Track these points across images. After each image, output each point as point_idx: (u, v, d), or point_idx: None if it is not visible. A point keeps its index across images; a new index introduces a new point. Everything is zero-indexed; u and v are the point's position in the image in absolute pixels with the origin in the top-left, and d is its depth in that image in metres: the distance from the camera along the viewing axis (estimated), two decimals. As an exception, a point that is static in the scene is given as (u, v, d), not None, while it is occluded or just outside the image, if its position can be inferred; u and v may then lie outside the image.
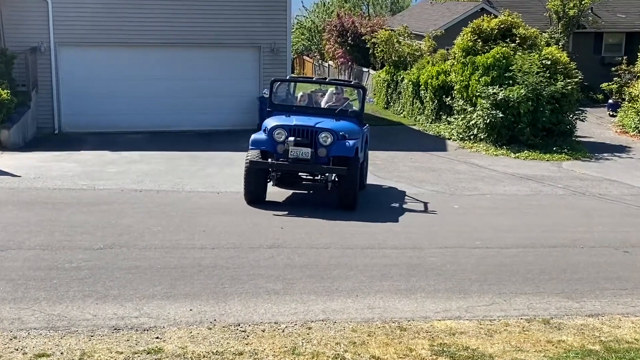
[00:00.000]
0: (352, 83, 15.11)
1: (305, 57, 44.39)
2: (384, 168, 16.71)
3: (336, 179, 12.14)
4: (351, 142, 12.10)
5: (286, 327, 7.27)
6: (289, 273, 8.83)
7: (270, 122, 12.38)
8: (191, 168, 15.61)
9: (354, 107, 13.47)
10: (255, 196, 12.17)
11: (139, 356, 6.46)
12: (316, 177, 12.59)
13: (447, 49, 25.48)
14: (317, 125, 12.11)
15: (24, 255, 8.87)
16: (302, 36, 44.99)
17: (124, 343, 6.68)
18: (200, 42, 21.52)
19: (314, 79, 15.19)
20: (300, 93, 13.96)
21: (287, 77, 15.05)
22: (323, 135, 11.99)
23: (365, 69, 33.52)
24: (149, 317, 7.29)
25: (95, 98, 21.20)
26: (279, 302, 7.87)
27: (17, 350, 6.38)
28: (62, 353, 6.39)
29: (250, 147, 12.24)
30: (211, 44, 21.65)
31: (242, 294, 8.04)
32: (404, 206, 12.91)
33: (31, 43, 20.35)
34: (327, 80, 14.94)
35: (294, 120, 12.30)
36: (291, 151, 11.92)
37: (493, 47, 21.49)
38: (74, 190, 12.73)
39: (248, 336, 7.00)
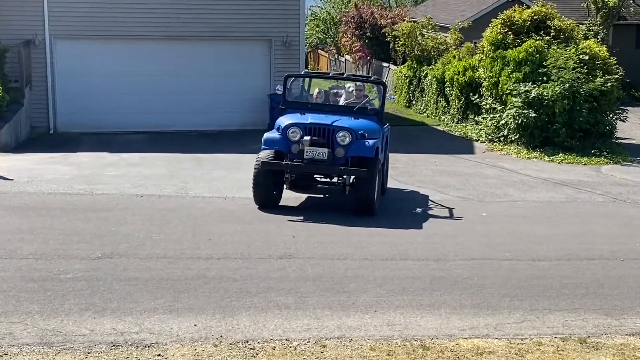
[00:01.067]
0: (371, 79, 14.84)
1: (320, 51, 44.47)
2: (405, 172, 16.71)
3: (354, 182, 12.15)
4: (371, 141, 12.19)
5: (298, 344, 7.29)
6: (301, 286, 8.84)
7: (284, 120, 12.47)
8: (196, 171, 15.68)
9: (374, 105, 13.49)
10: (265, 199, 12.23)
11: (139, 375, 6.50)
12: (333, 180, 12.64)
13: (475, 43, 25.44)
14: (334, 124, 12.21)
15: (15, 265, 8.94)
16: (317, 28, 45.09)
17: (123, 360, 6.73)
18: (206, 34, 21.64)
19: (330, 75, 15.33)
20: (316, 90, 13.98)
21: (302, 73, 15.10)
22: (341, 134, 12.07)
23: (385, 64, 33.54)
24: (150, 332, 7.33)
25: (93, 95, 21.37)
26: (291, 318, 7.89)
27: (7, 367, 6.43)
28: (55, 371, 6.44)
29: (262, 146, 12.31)
30: (218, 37, 21.77)
31: (251, 309, 8.06)
32: (428, 212, 12.92)
33: (25, 36, 20.54)
34: (344, 75, 14.94)
35: (310, 119, 12.39)
36: (306, 151, 12.00)
37: (525, 41, 21.45)
38: (70, 195, 12.82)
39: (257, 354, 7.03)
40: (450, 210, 13.06)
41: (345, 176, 12.19)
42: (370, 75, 34.92)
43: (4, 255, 9.27)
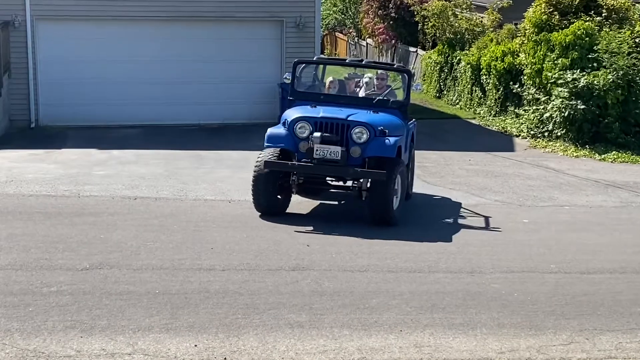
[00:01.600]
0: (394, 66, 14.67)
1: (338, 33, 44.52)
2: (435, 172, 16.70)
3: (370, 186, 11.89)
4: (392, 139, 11.95)
5: (313, 368, 7.30)
6: (316, 302, 8.84)
7: (291, 114, 12.28)
8: (196, 171, 15.74)
9: (397, 97, 13.27)
10: (267, 206, 12.09)
11: (131, 402, 6.52)
12: (347, 184, 12.41)
13: (516, 24, 25.40)
14: (349, 118, 11.98)
15: (-8, 277, 9.00)
16: (335, 8, 45.15)
17: (114, 386, 6.75)
18: (209, 15, 21.72)
19: (347, 61, 14.95)
20: (330, 79, 13.74)
21: (314, 58, 14.87)
22: (357, 130, 11.84)
23: (412, 49, 33.52)
24: (145, 354, 7.35)
25: (81, 85, 21.47)
26: (305, 338, 7.90)
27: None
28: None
29: (265, 144, 12.16)
30: (223, 18, 21.85)
31: (259, 327, 8.07)
32: (459, 222, 12.87)
33: (2, 17, 20.66)
34: (363, 62, 14.68)
35: (321, 112, 12.19)
36: (316, 150, 11.74)
37: (573, 22, 21.38)
38: (54, 197, 12.89)
39: (266, 379, 7.04)
40: (487, 219, 12.99)
41: (361, 180, 11.92)
42: (394, 62, 34.92)
43: (-20, 266, 9.33)
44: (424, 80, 30.27)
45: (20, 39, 21.00)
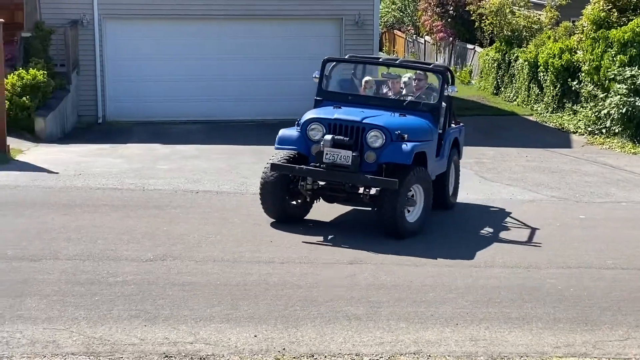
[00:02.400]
0: (430, 66, 13.05)
1: (396, 31, 44.36)
2: (492, 168, 16.55)
3: (378, 194, 10.94)
4: (410, 145, 10.77)
5: (370, 359, 7.30)
6: (373, 295, 8.84)
7: (308, 115, 11.39)
8: (257, 165, 15.78)
9: (429, 99, 12.10)
10: (278, 212, 11.28)
11: (193, 390, 6.60)
12: (359, 191, 11.19)
13: (574, 21, 25.02)
14: (365, 121, 10.94)
15: (60, 267, 9.16)
16: (393, 6, 44.98)
17: (176, 373, 6.84)
18: (269, 14, 21.81)
19: (380, 60, 13.56)
20: (366, 78, 12.68)
21: (346, 56, 13.82)
22: (372, 133, 10.79)
23: (470, 46, 33.26)
24: (206, 343, 7.43)
25: (145, 81, 21.77)
26: (361, 330, 7.90)
27: (52, 378, 6.61)
28: (104, 383, 6.58)
29: (276, 145, 11.31)
30: (282, 17, 21.93)
31: (317, 319, 8.10)
32: (499, 235, 12.62)
33: (72, 15, 21.03)
34: (397, 62, 13.49)
35: (336, 113, 11.19)
36: (326, 153, 10.75)
37: (632, 19, 20.99)
38: (120, 190, 13.07)
39: (323, 370, 7.06)
40: (533, 231, 11.87)
41: (374, 187, 10.97)
42: (451, 59, 34.70)
43: (49, 256, 9.51)
44: (481, 77, 30.02)
45: (89, 37, 21.35)
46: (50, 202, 12.09)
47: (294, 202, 11.39)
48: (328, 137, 10.79)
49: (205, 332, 7.66)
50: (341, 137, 10.80)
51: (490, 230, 11.80)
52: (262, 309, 8.27)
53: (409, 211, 10.96)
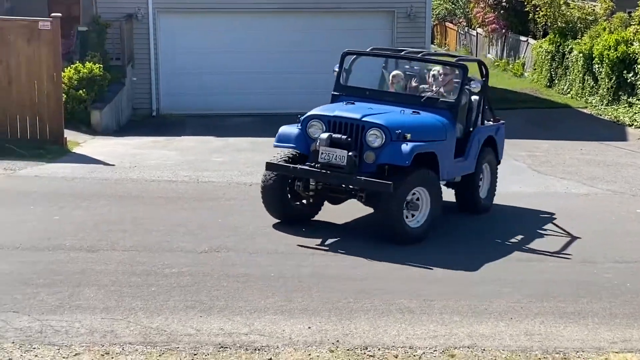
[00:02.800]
0: (453, 61, 11.89)
1: (448, 24, 44.07)
2: (546, 161, 16.38)
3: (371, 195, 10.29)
4: (410, 145, 9.98)
5: (423, 353, 7.27)
6: (426, 287, 8.81)
7: (313, 111, 10.82)
8: (309, 158, 15.83)
9: (449, 96, 11.30)
10: (279, 212, 10.78)
11: (248, 380, 6.64)
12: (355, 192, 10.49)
13: (629, 12, 24.59)
14: (364, 118, 10.24)
15: (117, 258, 9.28)
16: (445, -2, 44.64)
17: (232, 364, 6.88)
18: (322, 7, 21.82)
19: (401, 54, 12.35)
20: (394, 72, 11.92)
21: (368, 49, 12.55)
22: (371, 132, 10.08)
23: (523, 38, 32.89)
24: (261, 334, 7.47)
25: (198, 74, 21.93)
26: (415, 323, 7.88)
27: (110, 367, 6.70)
28: (160, 372, 6.66)
29: (274, 143, 10.84)
30: (334, 10, 21.91)
31: (370, 311, 8.09)
32: (555, 230, 12.48)
33: (127, 9, 21.26)
34: (420, 55, 12.18)
35: (337, 110, 10.65)
36: (321, 153, 10.14)
37: (690, 9, 20.59)
38: (174, 182, 13.20)
39: (377, 362, 7.06)
40: (571, 239, 10.95)
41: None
42: (504, 51, 34.31)
43: (106, 247, 9.64)
44: (535, 69, 29.67)
45: (143, 31, 21.56)
46: (107, 194, 12.25)
47: (298, 203, 10.83)
48: (324, 135, 10.18)
49: (259, 323, 7.70)
50: (339, 136, 10.18)
51: (543, 224, 11.67)
52: (315, 301, 8.28)
53: (413, 215, 10.25)
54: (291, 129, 10.71)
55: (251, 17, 21.96)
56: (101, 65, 18.86)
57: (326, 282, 8.82)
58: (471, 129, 11.55)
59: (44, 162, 14.04)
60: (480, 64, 12.14)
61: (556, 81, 27.42)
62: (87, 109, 18.12)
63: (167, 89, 21.94)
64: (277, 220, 10.95)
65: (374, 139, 10.07)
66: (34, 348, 6.90)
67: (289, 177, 10.58)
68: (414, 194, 10.18)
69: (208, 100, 21.76)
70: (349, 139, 10.15)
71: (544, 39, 29.19)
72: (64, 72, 16.88)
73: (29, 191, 12.03)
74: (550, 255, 10.18)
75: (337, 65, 11.75)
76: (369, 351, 7.24)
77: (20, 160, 13.90)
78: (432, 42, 34.15)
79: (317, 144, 10.20)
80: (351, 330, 7.65)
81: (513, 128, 20.41)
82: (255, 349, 7.17)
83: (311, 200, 10.82)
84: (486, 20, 35.32)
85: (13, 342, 6.95)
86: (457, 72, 11.38)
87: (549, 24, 28.42)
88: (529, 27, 31.58)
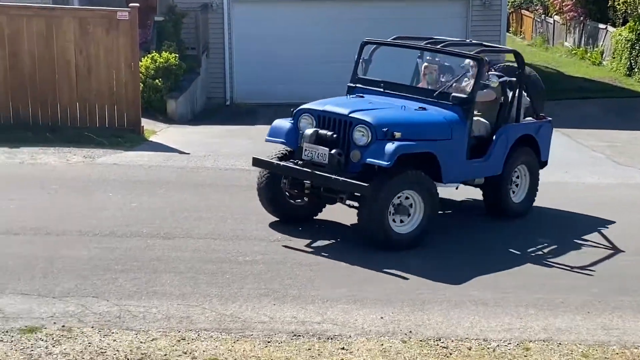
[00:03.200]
0: (471, 53, 10.68)
1: (523, 11, 43.41)
2: (624, 152, 16.05)
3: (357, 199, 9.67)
4: (395, 144, 9.19)
5: (497, 345, 7.22)
6: (501, 280, 8.75)
7: (306, 104, 10.32)
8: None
9: (462, 91, 10.33)
10: (275, 211, 10.31)
11: (321, 369, 6.69)
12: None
13: None
14: (352, 114, 9.55)
15: (193, 245, 9.42)
16: (521, -15, 43.99)
17: (305, 352, 6.94)
18: (395, -5, 21.69)
19: (421, 45, 11.31)
20: (425, 63, 11.08)
21: (390, 39, 11.56)
22: (357, 129, 9.41)
23: (601, 26, 32.21)
24: (333, 323, 7.51)
25: (271, 64, 22.05)
26: (489, 315, 7.82)
27: (185, 353, 6.81)
28: (235, 359, 6.74)
29: (266, 137, 10.35)
30: (407, -2, 21.78)
31: (443, 303, 8.07)
32: (631, 221, 12.21)
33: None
34: (438, 46, 10.99)
35: (328, 104, 10.03)
36: (305, 149, 9.64)
37: None
38: (248, 171, 13.25)
39: (451, 354, 7.03)
40: (613, 253, 9.87)
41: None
42: (581, 39, 33.63)
43: (181, 234, 9.79)
44: (614, 58, 29.03)
45: (218, 20, 21.78)
46: (182, 182, 12.43)
47: (299, 201, 10.25)
48: (309, 131, 9.63)
49: (332, 312, 7.74)
50: (325, 132, 9.57)
51: (620, 217, 11.43)
52: (388, 291, 8.29)
53: (402, 221, 9.51)
54: (284, 123, 10.15)
55: (325, 7, 21.99)
56: (177, 55, 19.11)
57: (399, 272, 8.80)
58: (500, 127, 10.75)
59: (121, 150, 14.32)
60: (516, 55, 11.17)
61: (636, 70, 26.81)
62: (162, 98, 18.39)
63: (240, 78, 22.14)
64: (350, 210, 10.91)
65: (360, 136, 9.37)
66: (113, 332, 7.06)
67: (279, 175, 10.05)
68: (406, 197, 9.45)
69: (280, 89, 21.86)
70: (335, 136, 9.53)
71: (623, 27, 28.55)
72: (141, 61, 17.15)
73: (107, 179, 12.29)
74: (626, 250, 9.99)
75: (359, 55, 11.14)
76: (442, 342, 7.22)
77: (99, 149, 14.20)
78: (508, 31, 33.72)
79: (302, 139, 9.72)
80: (424, 321, 7.64)
81: (591, 118, 20.16)
82: (327, 338, 7.21)
83: (306, 199, 10.15)
84: (564, 8, 34.70)
85: (92, 327, 7.13)
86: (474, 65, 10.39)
87: (629, 11, 27.80)
88: (608, 15, 30.92)
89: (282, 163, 9.79)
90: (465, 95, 10.14)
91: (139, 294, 7.90)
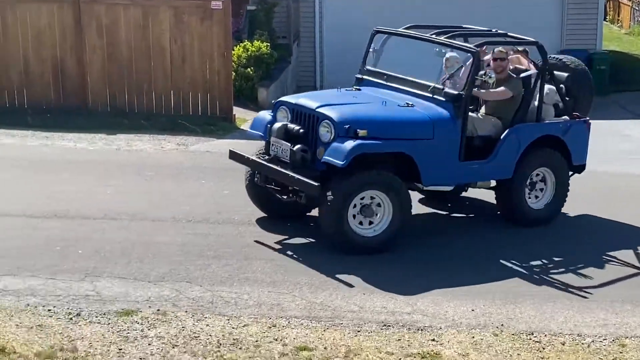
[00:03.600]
0: (466, 46, 9.78)
1: (621, -1, 42.24)
2: None
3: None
4: (354, 143, 8.57)
5: (592, 341, 7.09)
6: (598, 275, 8.59)
7: (285, 97, 10.00)
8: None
9: (452, 86, 9.44)
10: (263, 207, 9.84)
11: (411, 359, 6.66)
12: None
13: None
14: (318, 109, 9.02)
15: (284, 233, 9.47)
16: (619, -29, 42.84)
17: (395, 343, 6.94)
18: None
19: (424, 36, 10.26)
20: (448, 55, 9.84)
21: (402, 29, 10.75)
22: (322, 125, 8.87)
23: None
24: (424, 314, 7.49)
25: (361, 52, 21.95)
26: (583, 310, 7.69)
27: (276, 340, 6.88)
28: (325, 348, 6.78)
29: (248, 130, 9.97)
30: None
31: (536, 297, 7.96)
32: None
33: (297, -12, 21.54)
34: (441, 38, 10.04)
35: (302, 97, 9.63)
36: (272, 144, 9.25)
37: None
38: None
39: (544, 348, 6.93)
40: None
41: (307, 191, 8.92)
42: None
43: (272, 222, 9.80)
44: None
45: (309, 9, 21.80)
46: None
47: (291, 196, 9.39)
48: (277, 125, 9.21)
49: (422, 303, 7.72)
50: (293, 127, 9.11)
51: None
52: (479, 284, 8.22)
53: (371, 223, 8.90)
54: (265, 116, 9.74)
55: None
56: (268, 44, 19.22)
57: (492, 264, 8.72)
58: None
59: (214, 138, 14.50)
60: (540, 48, 9.99)
61: None
62: (254, 87, 18.52)
63: (330, 67, 22.13)
64: (441, 204, 10.83)
65: (325, 132, 8.81)
66: (205, 317, 7.18)
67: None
68: (372, 198, 8.82)
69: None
70: (302, 131, 9.02)
71: None
72: (233, 50, 17.32)
73: (200, 166, 12.47)
74: None
75: (373, 46, 10.52)
76: (535, 337, 7.13)
77: (192, 136, 14.40)
78: (605, 19, 32.88)
79: (270, 133, 9.30)
80: (516, 314, 7.55)
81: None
82: (417, 329, 7.19)
83: (291, 195, 9.40)
84: (663, -5, 33.65)
85: (186, 311, 7.27)
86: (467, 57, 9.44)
87: None
88: None
89: (252, 157, 9.39)
90: (456, 92, 9.29)
91: (231, 280, 8.01)
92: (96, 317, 7.02)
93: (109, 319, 7.02)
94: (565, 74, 10.41)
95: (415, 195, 9.75)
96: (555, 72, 10.30)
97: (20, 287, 7.49)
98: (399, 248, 9.06)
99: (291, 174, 8.74)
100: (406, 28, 10.67)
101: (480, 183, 9.81)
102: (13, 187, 10.40)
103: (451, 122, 9.23)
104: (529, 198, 9.99)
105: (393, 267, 8.57)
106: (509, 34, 10.53)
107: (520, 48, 10.40)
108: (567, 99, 10.24)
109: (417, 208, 10.16)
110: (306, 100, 9.38)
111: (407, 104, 9.30)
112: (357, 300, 7.73)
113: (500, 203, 10.08)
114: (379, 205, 8.86)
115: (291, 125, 9.13)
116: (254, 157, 9.38)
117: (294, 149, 8.86)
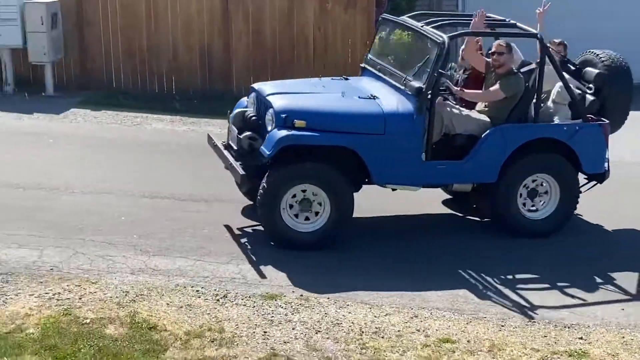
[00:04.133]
0: (434, 33, 8.79)
1: None
2: None
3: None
4: (282, 133, 8.15)
5: None
6: None
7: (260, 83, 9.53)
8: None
9: (416, 79, 8.60)
10: (252, 199, 9.12)
11: (558, 357, 6.52)
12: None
13: None
14: (268, 97, 8.65)
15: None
16: None
17: (540, 339, 6.80)
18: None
19: (416, 25, 9.26)
20: (463, 46, 9.55)
21: (406, 16, 10.04)
22: (268, 113, 8.52)
23: None
24: (571, 312, 7.33)
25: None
26: None
27: (418, 331, 6.86)
28: (468, 341, 6.71)
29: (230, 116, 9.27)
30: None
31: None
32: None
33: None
34: (424, 26, 9.16)
35: (268, 84, 9.26)
36: (229, 132, 9.10)
37: None
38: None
39: (700, 352, 6.65)
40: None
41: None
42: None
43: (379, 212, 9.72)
44: None
45: (451, 2, 21.60)
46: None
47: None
48: (235, 111, 8.94)
49: (570, 300, 7.56)
50: (249, 114, 8.77)
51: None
52: (627, 284, 7.98)
53: (307, 218, 8.42)
54: (242, 101, 9.44)
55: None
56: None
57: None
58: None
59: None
60: (540, 41, 8.85)
61: None
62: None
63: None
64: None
65: (268, 122, 8.44)
66: (348, 305, 7.23)
67: None
68: (314, 193, 8.36)
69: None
70: (254, 118, 8.71)
71: None
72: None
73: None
74: None
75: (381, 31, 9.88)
76: (690, 340, 6.83)
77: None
78: None
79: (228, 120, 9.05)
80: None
81: None
82: (564, 326, 7.05)
83: None
84: None
85: (328, 298, 7.33)
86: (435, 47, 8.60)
87: None
88: None
89: (217, 144, 9.09)
90: (417, 85, 8.50)
91: (373, 269, 8.03)
92: (242, 299, 7.17)
93: (254, 302, 7.15)
94: (595, 72, 9.25)
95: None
96: (587, 69, 9.37)
97: (170, 268, 7.73)
98: (540, 245, 8.86)
99: (230, 160, 8.53)
100: (411, 16, 9.90)
101: (457, 186, 8.92)
102: (162, 170, 10.72)
103: (409, 117, 8.45)
104: (523, 206, 9.01)
105: (538, 261, 8.39)
106: (518, 24, 9.41)
107: (557, 40, 9.49)
108: (593, 99, 9.08)
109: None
110: (266, 87, 9.00)
111: (371, 96, 8.70)
112: (499, 295, 7.61)
113: (492, 211, 9.14)
114: (320, 202, 8.40)
115: (248, 113, 8.82)
116: (217, 143, 9.11)
117: (241, 136, 8.50)
